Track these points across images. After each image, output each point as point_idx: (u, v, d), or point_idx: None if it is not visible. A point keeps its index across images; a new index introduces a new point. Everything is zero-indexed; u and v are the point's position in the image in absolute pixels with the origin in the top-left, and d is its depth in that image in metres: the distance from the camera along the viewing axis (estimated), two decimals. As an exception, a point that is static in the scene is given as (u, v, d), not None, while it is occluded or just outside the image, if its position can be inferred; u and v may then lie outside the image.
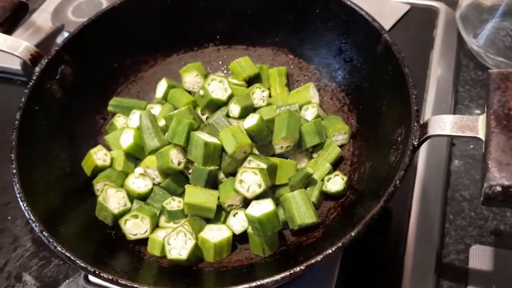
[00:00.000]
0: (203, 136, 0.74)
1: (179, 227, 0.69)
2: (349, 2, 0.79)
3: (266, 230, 0.68)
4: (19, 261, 0.88)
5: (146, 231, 0.73)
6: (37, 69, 0.76)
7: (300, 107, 0.83)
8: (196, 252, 0.69)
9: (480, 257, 0.82)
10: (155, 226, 0.74)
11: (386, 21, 1.16)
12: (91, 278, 0.80)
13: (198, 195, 0.72)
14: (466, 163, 0.96)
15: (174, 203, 0.75)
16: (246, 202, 0.73)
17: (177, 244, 0.68)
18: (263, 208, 0.68)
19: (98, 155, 0.79)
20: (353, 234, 0.57)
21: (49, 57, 0.78)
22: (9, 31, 0.80)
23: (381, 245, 0.83)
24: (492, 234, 0.85)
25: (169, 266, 0.69)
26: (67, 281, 0.84)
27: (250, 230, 0.71)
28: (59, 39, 1.19)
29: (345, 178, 0.75)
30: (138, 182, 0.77)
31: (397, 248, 0.82)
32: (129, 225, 0.73)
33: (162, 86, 0.87)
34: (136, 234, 0.73)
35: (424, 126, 0.63)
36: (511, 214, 0.87)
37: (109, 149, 0.82)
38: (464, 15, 1.10)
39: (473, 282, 0.79)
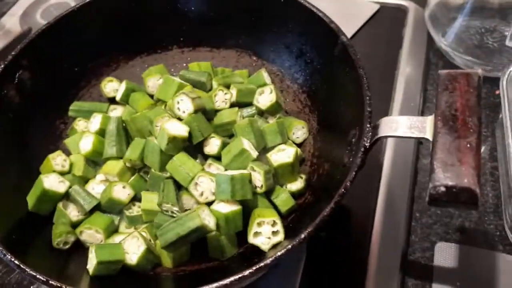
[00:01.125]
0: (158, 143, 0.73)
1: (134, 233, 0.69)
2: (307, 4, 0.79)
3: (229, 228, 0.68)
4: (-18, 268, 0.87)
5: (102, 241, 0.72)
6: (-7, 74, 0.76)
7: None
8: (151, 258, 0.69)
9: (445, 254, 0.83)
10: (113, 232, 0.74)
11: (356, 21, 1.17)
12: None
13: (154, 200, 0.72)
14: (433, 161, 0.96)
15: (134, 209, 0.75)
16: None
17: (130, 248, 0.68)
18: (230, 207, 0.68)
19: (56, 161, 0.78)
20: (302, 236, 0.57)
21: (5, 62, 0.77)
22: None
23: (345, 244, 0.84)
24: (457, 231, 0.86)
25: (126, 270, 0.68)
26: (32, 287, 0.84)
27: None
28: (27, 43, 1.19)
29: (304, 177, 0.75)
30: (98, 188, 0.76)
31: (361, 247, 0.82)
32: (84, 236, 0.72)
33: (121, 88, 0.87)
34: (92, 243, 0.72)
35: (376, 127, 0.63)
36: (476, 212, 0.88)
37: (68, 153, 0.82)
38: (433, 14, 1.11)
39: (438, 279, 0.80)
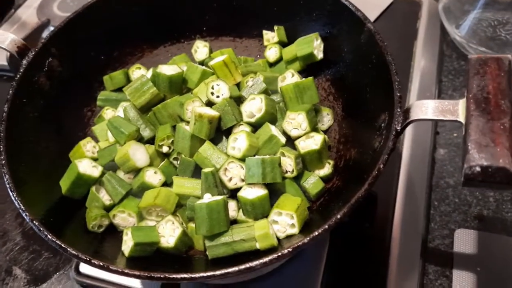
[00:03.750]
0: (189, 128, 0.75)
1: (168, 216, 0.70)
2: (332, -7, 0.80)
3: (257, 213, 0.69)
4: (8, 255, 0.88)
5: (134, 224, 0.73)
6: (24, 61, 0.77)
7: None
8: (186, 241, 0.70)
9: (464, 241, 0.84)
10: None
11: (371, 13, 1.17)
12: (82, 269, 0.81)
13: (185, 185, 0.73)
14: (450, 151, 0.98)
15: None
16: (233, 194, 0.73)
17: (165, 232, 0.69)
18: (256, 192, 0.69)
19: (87, 147, 0.80)
20: (338, 216, 0.58)
21: (36, 49, 0.78)
22: (-6, 25, 0.79)
23: (367, 231, 0.85)
24: (475, 219, 0.87)
25: (159, 253, 0.69)
26: (57, 273, 0.85)
27: (239, 217, 0.72)
28: (45, 34, 1.19)
29: (332, 162, 0.77)
30: (129, 173, 0.77)
31: (383, 234, 0.84)
32: (117, 219, 0.73)
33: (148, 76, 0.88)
34: (125, 226, 0.73)
35: (407, 111, 0.64)
36: (494, 200, 0.89)
37: (96, 140, 0.83)
38: (446, 6, 1.12)
39: (458, 265, 0.81)
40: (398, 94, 0.66)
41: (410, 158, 0.94)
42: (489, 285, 0.78)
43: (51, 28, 1.18)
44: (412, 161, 0.94)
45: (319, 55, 0.85)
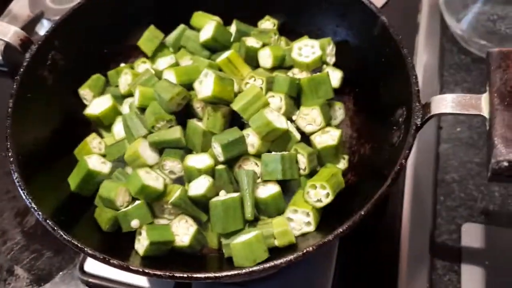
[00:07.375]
0: (201, 124, 0.73)
1: (181, 215, 0.68)
2: (343, -15, 0.79)
3: (271, 212, 0.68)
4: (9, 254, 0.86)
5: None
6: (28, 55, 0.74)
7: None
8: (200, 239, 0.68)
9: (471, 235, 0.84)
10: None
11: (371, 7, 1.17)
12: (87, 268, 0.79)
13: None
14: (454, 145, 0.98)
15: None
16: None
17: (179, 230, 0.67)
18: (269, 190, 0.67)
19: (93, 144, 0.77)
20: (362, 212, 0.57)
21: (39, 42, 0.75)
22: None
23: (377, 228, 0.85)
24: (481, 213, 0.87)
25: (172, 252, 0.68)
26: (61, 273, 0.83)
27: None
28: (38, 27, 1.16)
29: (347, 157, 0.76)
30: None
31: (392, 230, 0.84)
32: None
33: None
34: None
35: (427, 106, 0.63)
36: (499, 194, 0.89)
37: (101, 136, 0.80)
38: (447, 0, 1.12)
39: (466, 259, 0.81)
40: (417, 88, 0.65)
41: (415, 154, 0.94)
42: (498, 278, 0.78)
43: (45, 21, 1.15)
44: (418, 156, 0.93)
45: (331, 61, 0.83)
